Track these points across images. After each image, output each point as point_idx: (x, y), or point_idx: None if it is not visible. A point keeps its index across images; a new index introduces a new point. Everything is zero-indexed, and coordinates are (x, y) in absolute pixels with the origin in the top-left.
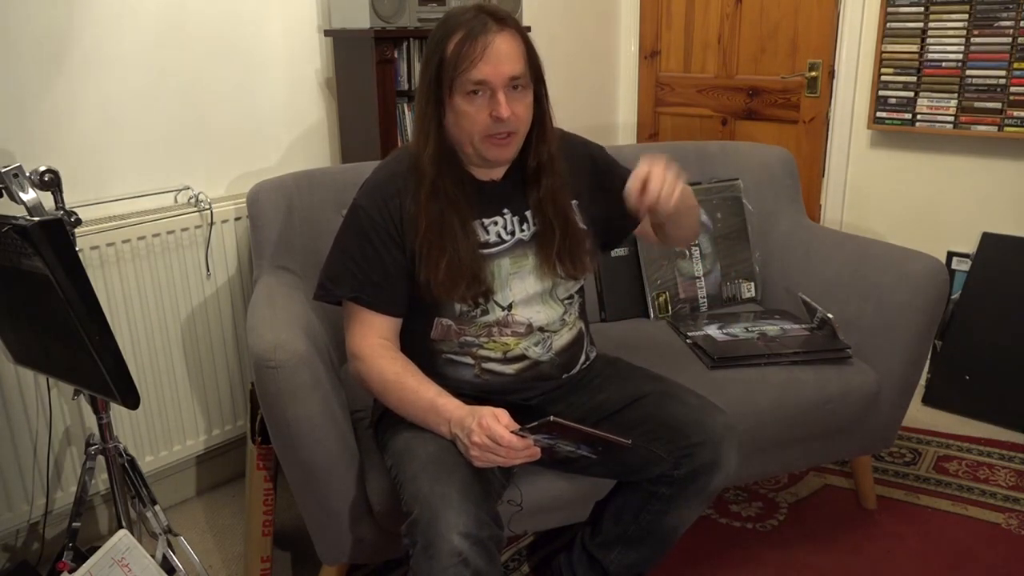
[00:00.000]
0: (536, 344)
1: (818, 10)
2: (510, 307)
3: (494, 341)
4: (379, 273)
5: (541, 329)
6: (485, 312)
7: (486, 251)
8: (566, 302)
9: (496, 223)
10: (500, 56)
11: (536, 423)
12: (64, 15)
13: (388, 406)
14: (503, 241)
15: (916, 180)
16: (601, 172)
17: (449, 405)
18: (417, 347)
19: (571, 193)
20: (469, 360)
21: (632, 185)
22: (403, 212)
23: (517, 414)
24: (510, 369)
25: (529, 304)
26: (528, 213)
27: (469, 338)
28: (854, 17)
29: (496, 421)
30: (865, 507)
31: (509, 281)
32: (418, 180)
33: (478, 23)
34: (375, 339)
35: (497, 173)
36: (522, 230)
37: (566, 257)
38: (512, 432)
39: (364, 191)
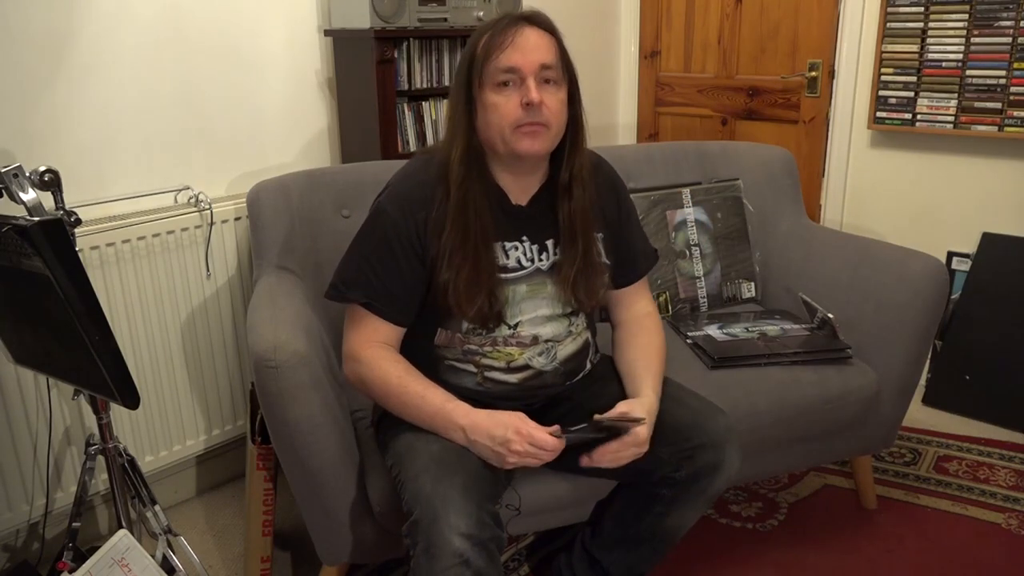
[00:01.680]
0: (540, 354)
1: (818, 10)
2: (517, 326)
3: (498, 351)
4: (396, 283)
5: (547, 340)
6: (491, 331)
7: (504, 275)
8: (571, 315)
9: (516, 248)
10: (529, 44)
11: (583, 425)
12: (64, 16)
13: (389, 410)
14: (522, 267)
15: (916, 180)
16: (622, 219)
17: (460, 411)
18: (419, 352)
19: (599, 225)
20: (472, 368)
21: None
22: (428, 222)
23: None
24: (513, 378)
25: (535, 322)
26: (549, 243)
27: (473, 347)
28: (854, 17)
29: (537, 428)
30: (865, 507)
31: (521, 304)
32: (447, 184)
33: (508, 19)
34: (377, 343)
35: (524, 196)
36: (541, 259)
37: (581, 287)
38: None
39: (391, 196)
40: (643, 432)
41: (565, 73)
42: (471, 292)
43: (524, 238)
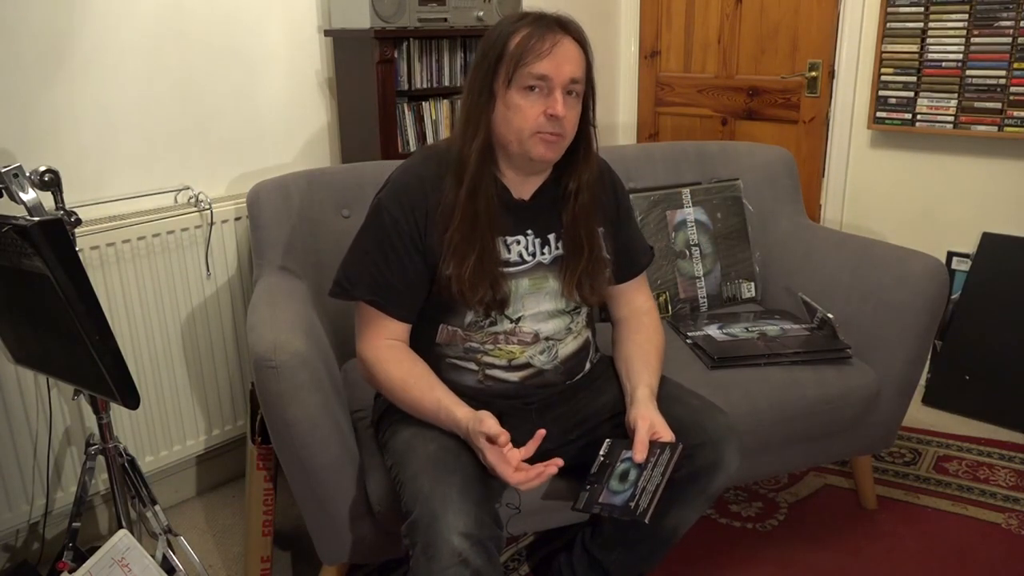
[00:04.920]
0: (541, 352)
1: (818, 10)
2: (519, 320)
3: (499, 348)
4: (398, 278)
5: (547, 338)
6: (493, 323)
7: (506, 269)
8: (573, 312)
9: (519, 242)
10: (565, 56)
11: (602, 460)
12: (64, 15)
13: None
14: (523, 262)
15: (916, 180)
16: (620, 214)
17: (456, 417)
18: (421, 350)
19: (599, 220)
20: (473, 366)
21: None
22: (428, 216)
23: (516, 419)
24: (514, 376)
25: (537, 318)
26: (551, 236)
27: (474, 344)
28: (854, 17)
29: (504, 465)
30: (865, 507)
31: (523, 299)
32: (459, 173)
33: (545, 22)
34: (384, 340)
35: (527, 192)
36: (543, 253)
37: (586, 283)
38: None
39: (390, 192)
40: (666, 435)
41: (587, 88)
42: (475, 281)
43: (528, 232)
